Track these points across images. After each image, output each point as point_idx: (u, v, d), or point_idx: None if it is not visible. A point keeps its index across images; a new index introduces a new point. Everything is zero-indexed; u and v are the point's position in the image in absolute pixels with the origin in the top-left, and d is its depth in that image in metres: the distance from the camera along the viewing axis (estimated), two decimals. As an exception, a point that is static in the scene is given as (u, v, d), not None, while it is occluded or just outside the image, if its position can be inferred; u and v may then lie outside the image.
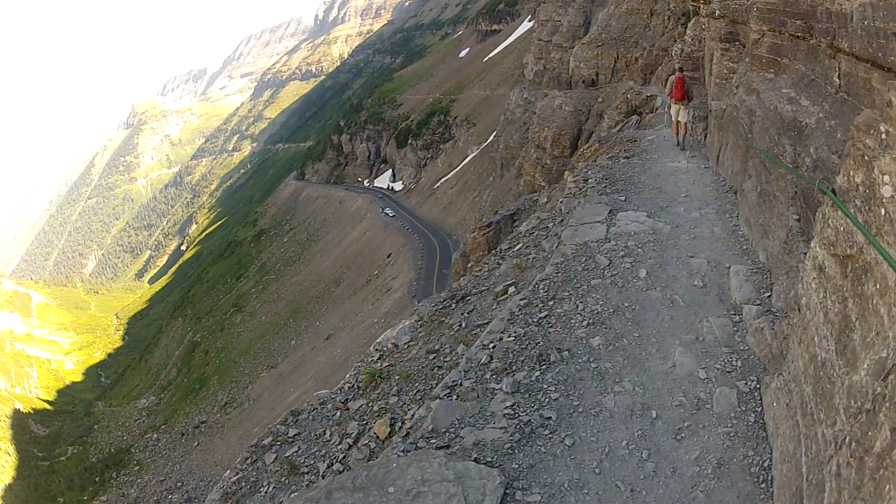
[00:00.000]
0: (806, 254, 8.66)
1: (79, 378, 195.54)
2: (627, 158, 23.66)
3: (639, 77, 75.76)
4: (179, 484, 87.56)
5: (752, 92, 13.57)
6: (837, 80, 9.15)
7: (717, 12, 20.78)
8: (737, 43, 19.72)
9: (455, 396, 10.39)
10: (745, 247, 13.22)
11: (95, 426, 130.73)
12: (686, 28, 39.43)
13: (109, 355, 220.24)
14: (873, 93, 7.62)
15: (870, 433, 4.91)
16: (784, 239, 10.43)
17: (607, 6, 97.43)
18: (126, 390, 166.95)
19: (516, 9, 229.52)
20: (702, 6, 25.30)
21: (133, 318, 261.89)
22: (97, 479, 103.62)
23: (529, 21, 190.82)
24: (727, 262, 12.69)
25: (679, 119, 26.62)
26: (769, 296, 10.89)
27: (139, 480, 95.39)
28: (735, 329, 10.51)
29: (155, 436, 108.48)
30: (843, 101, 8.94)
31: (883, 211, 5.14)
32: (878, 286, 5.16)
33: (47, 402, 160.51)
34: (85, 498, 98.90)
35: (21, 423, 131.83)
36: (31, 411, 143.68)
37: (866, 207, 5.48)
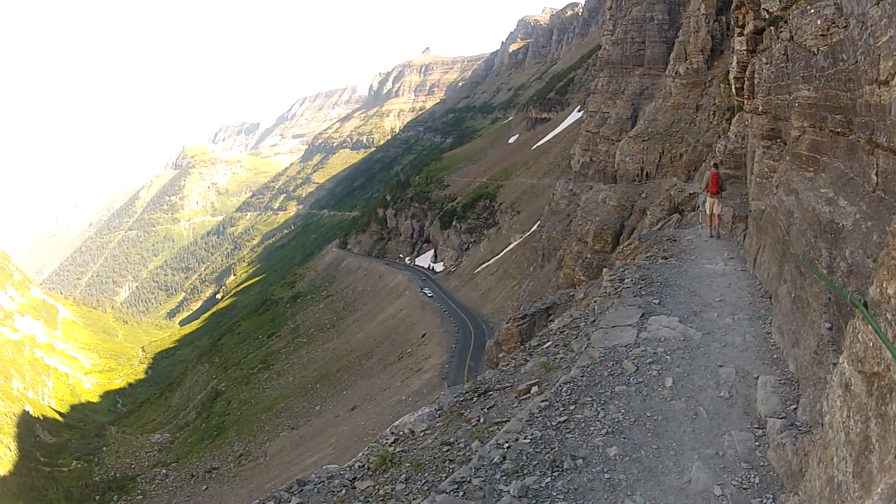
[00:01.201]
0: (835, 365, 8.27)
1: (95, 399, 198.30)
2: (665, 259, 23.50)
3: (683, 173, 75.87)
4: None
5: (791, 192, 13.30)
6: (875, 177, 8.83)
7: (760, 108, 20.55)
8: (779, 140, 19.48)
9: (462, 493, 10.08)
10: (775, 356, 12.76)
11: (104, 448, 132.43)
12: (730, 124, 39.26)
13: (130, 385, 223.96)
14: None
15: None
16: (814, 349, 10.04)
17: (655, 100, 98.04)
18: (142, 422, 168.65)
19: (566, 98, 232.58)
20: (745, 102, 25.18)
21: (159, 354, 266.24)
22: (97, 497, 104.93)
23: (578, 111, 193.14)
24: (756, 372, 12.19)
25: (714, 212, 28.64)
26: (795, 409, 10.40)
27: None
28: (757, 444, 10.04)
29: (164, 471, 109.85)
30: (880, 200, 8.60)
31: (916, 327, 4.78)
32: (900, 407, 4.80)
33: (59, 412, 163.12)
34: None
35: (28, 425, 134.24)
36: (41, 417, 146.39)
37: (898, 322, 5.12)
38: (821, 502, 6.39)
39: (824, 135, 12.08)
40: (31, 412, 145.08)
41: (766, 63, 19.52)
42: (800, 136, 13.84)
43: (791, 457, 8.67)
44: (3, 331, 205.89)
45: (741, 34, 25.29)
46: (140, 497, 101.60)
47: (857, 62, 9.73)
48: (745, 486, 9.11)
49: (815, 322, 10.26)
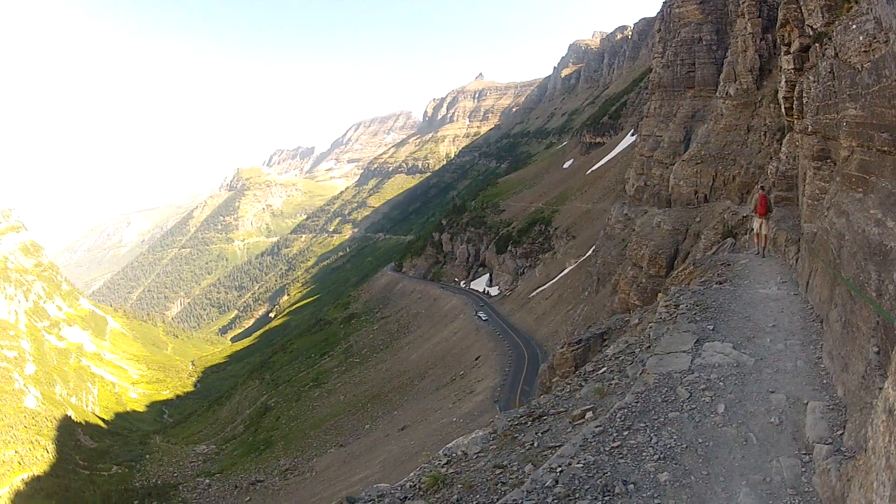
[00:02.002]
0: (881, 390, 8.17)
1: (141, 409, 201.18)
2: (720, 284, 23.28)
3: (736, 196, 75.26)
4: None
5: (841, 214, 13.16)
6: (922, 196, 8.73)
7: (810, 128, 20.33)
8: (829, 161, 19.27)
9: None
10: (825, 381, 12.66)
11: (147, 455, 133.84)
12: (781, 145, 38.84)
13: (178, 396, 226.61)
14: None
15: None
16: (862, 373, 9.94)
17: (706, 122, 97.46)
18: (188, 433, 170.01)
19: (620, 122, 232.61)
20: (795, 122, 24.95)
21: (209, 368, 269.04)
22: (136, 502, 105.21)
23: (632, 135, 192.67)
24: (806, 398, 12.12)
25: (761, 232, 30.48)
26: (842, 434, 10.32)
27: None
28: (804, 469, 9.98)
29: (207, 481, 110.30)
30: (928, 222, 8.50)
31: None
32: (939, 435, 4.76)
33: (102, 419, 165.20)
34: None
35: (69, 429, 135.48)
36: (83, 423, 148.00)
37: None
38: (859, 528, 6.34)
39: (872, 154, 11.95)
40: (73, 417, 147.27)
41: (814, 81, 19.35)
42: (849, 155, 13.71)
43: (835, 482, 8.60)
44: (50, 339, 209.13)
45: (788, 52, 25.10)
46: None
47: (900, 76, 9.66)
48: (787, 512, 9.03)
49: (863, 346, 10.15)
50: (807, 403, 11.82)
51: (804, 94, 21.71)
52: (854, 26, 13.98)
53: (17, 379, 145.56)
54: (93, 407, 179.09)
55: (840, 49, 15.41)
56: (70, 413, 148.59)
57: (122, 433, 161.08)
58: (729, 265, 27.59)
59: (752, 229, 33.51)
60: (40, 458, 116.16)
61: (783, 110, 27.64)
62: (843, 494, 7.98)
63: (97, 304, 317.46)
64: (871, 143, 11.87)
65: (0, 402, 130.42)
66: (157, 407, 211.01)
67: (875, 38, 12.30)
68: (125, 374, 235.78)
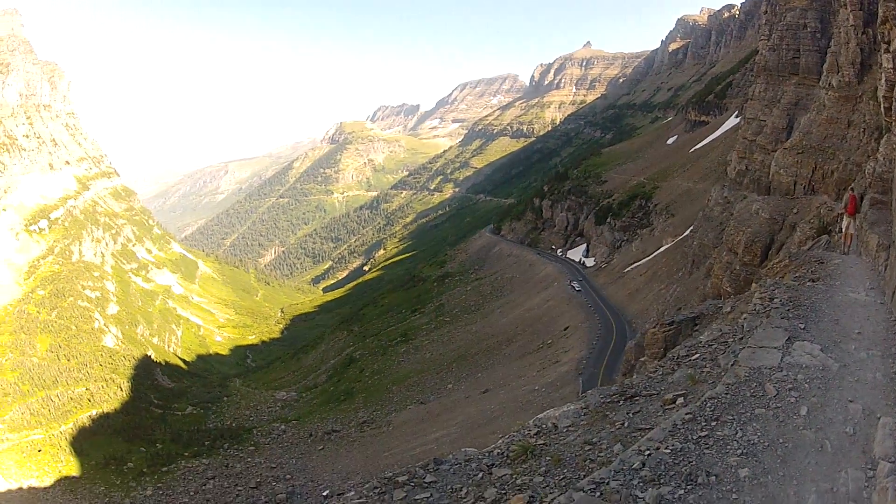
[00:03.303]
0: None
1: (224, 352, 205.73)
2: (813, 282, 23.08)
3: (833, 191, 73.51)
4: (288, 476, 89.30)
5: (932, 224, 13.19)
6: None
7: (907, 131, 20.03)
8: (924, 167, 18.96)
9: (599, 494, 10.52)
10: None
11: (225, 398, 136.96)
12: (879, 145, 38.16)
13: (263, 342, 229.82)
14: None
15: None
16: (932, 391, 10.16)
17: (809, 111, 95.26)
18: (269, 378, 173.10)
19: (725, 102, 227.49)
20: (893, 123, 24.58)
21: (298, 316, 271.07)
22: (207, 442, 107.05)
23: (736, 117, 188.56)
24: (880, 412, 12.15)
25: (848, 230, 32.09)
26: (906, 454, 10.55)
27: (249, 459, 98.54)
28: (867, 484, 10.13)
29: (282, 427, 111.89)
30: None
31: None
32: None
33: (184, 360, 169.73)
34: (186, 454, 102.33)
35: (147, 368, 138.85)
36: (163, 363, 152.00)
37: None
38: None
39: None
40: (153, 357, 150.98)
41: (912, 84, 19.11)
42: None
43: (890, 501, 8.92)
44: (136, 280, 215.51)
45: (887, 51, 24.62)
46: (252, 448, 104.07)
47: None
48: (848, 525, 9.26)
49: (937, 364, 10.33)
50: (879, 418, 11.86)
51: (903, 96, 21.37)
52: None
53: (97, 318, 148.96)
54: (174, 348, 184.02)
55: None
56: (150, 353, 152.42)
57: (203, 375, 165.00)
58: (822, 263, 27.31)
59: (842, 229, 34.52)
60: (112, 396, 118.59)
61: (882, 109, 27.18)
62: (897, 515, 8.34)
63: (189, 249, 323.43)
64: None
65: (77, 340, 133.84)
66: (241, 351, 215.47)
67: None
68: (212, 318, 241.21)
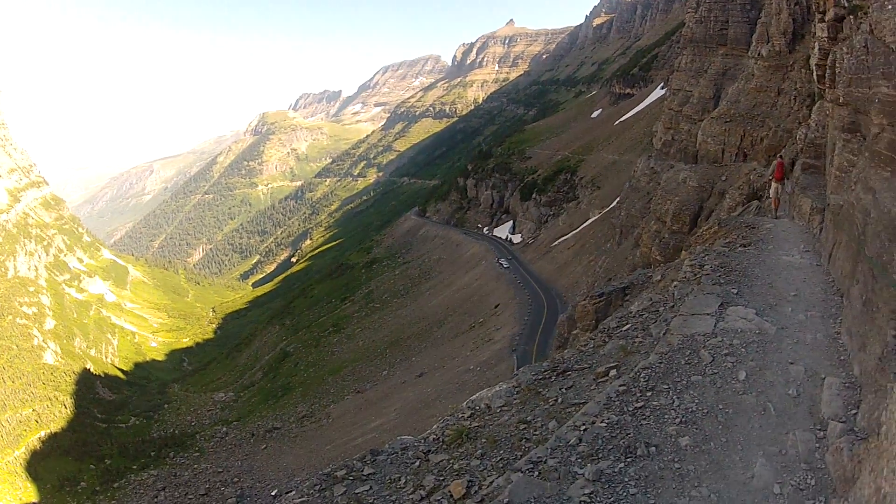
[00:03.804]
0: (896, 375, 8.29)
1: (160, 357, 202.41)
2: (744, 247, 23.13)
3: (763, 158, 74.43)
4: (236, 479, 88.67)
5: (868, 190, 13.05)
6: (949, 185, 8.74)
7: (841, 99, 20.04)
8: (858, 134, 19.01)
9: (537, 473, 10.33)
10: (843, 357, 12.62)
11: (166, 405, 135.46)
12: (811, 111, 38.66)
13: (197, 344, 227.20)
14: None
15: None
16: (879, 355, 9.95)
17: (737, 81, 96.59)
18: (206, 380, 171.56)
19: (650, 74, 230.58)
20: (827, 90, 24.79)
21: (230, 314, 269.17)
22: (153, 453, 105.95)
23: (662, 88, 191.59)
24: (823, 373, 12.10)
25: (776, 196, 34.19)
26: (856, 413, 10.35)
27: (195, 466, 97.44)
28: (818, 445, 10.02)
29: (224, 429, 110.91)
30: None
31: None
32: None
33: (122, 371, 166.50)
34: (134, 467, 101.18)
35: (88, 382, 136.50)
36: (102, 375, 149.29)
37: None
38: (866, 510, 6.48)
39: (904, 134, 11.89)
40: (92, 370, 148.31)
41: (847, 53, 19.06)
42: (879, 133, 13.59)
43: (846, 462, 8.67)
44: (70, 292, 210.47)
45: (822, 20, 24.83)
46: (197, 454, 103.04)
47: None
48: (801, 487, 9.20)
49: (882, 328, 10.18)
50: (824, 378, 11.81)
51: (837, 65, 21.45)
52: (890, 6, 13.83)
53: (35, 335, 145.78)
54: (112, 358, 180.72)
55: (875, 26, 15.25)
56: (89, 366, 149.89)
57: (141, 383, 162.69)
58: (753, 228, 27.42)
59: (770, 195, 36.33)
60: (58, 415, 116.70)
61: (815, 77, 27.46)
62: (854, 476, 8.08)
63: (118, 254, 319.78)
64: (902, 122, 11.81)
65: (19, 360, 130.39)
66: (176, 355, 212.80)
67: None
68: (145, 324, 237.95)
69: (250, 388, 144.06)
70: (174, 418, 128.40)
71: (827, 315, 14.97)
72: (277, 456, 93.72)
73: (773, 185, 34.94)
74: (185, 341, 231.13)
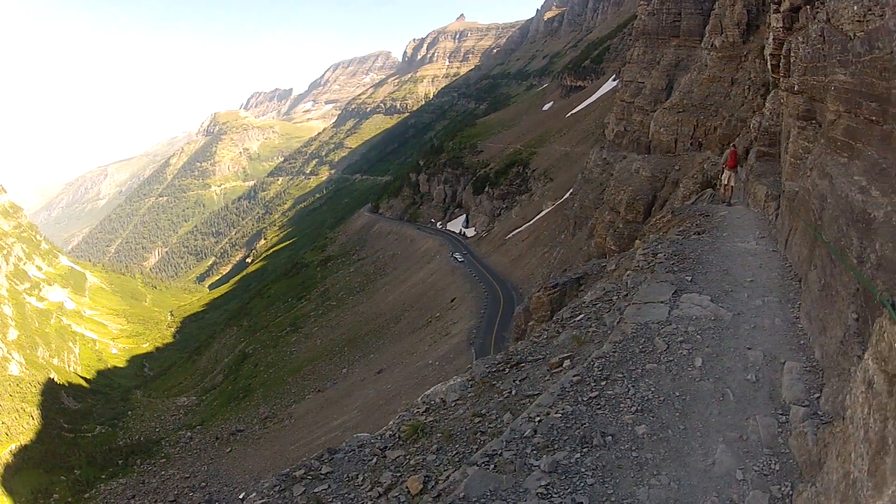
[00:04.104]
0: (860, 357, 8.23)
1: (122, 364, 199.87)
2: (698, 234, 23.30)
3: (716, 146, 75.26)
4: (203, 484, 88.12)
5: (824, 176, 13.09)
6: (908, 171, 8.73)
7: (796, 87, 20.18)
8: (814, 122, 19.16)
9: (493, 466, 10.18)
10: (802, 341, 12.62)
11: (129, 412, 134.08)
12: (765, 100, 39.03)
13: (157, 349, 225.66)
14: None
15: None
16: (840, 338, 9.94)
17: (690, 71, 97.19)
18: (168, 385, 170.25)
19: (602, 66, 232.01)
20: (781, 79, 25.00)
21: (188, 318, 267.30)
22: (120, 461, 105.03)
23: (614, 80, 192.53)
24: (783, 357, 12.10)
25: (728, 183, 34.76)
26: (818, 397, 10.36)
27: (163, 472, 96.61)
28: (780, 430, 9.99)
29: (188, 434, 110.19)
30: (913, 196, 8.52)
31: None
32: (918, 413, 4.82)
33: (85, 379, 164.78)
34: (103, 476, 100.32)
35: (53, 392, 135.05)
36: (66, 384, 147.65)
37: (924, 329, 5.12)
38: (836, 496, 6.39)
39: (859, 121, 11.89)
40: (55, 379, 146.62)
41: (803, 42, 19.19)
42: (835, 119, 13.64)
43: (811, 446, 8.64)
44: (30, 300, 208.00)
45: (777, 10, 24.97)
46: (164, 460, 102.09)
47: (892, 52, 9.63)
48: (765, 473, 9.14)
49: (842, 312, 10.17)
50: (784, 363, 11.83)
51: (792, 54, 21.58)
52: (848, -5, 13.91)
53: (0, 347, 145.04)
54: (74, 367, 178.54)
55: (832, 15, 15.29)
56: (53, 376, 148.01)
57: (104, 391, 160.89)
58: (707, 216, 27.63)
59: (723, 182, 36.71)
60: (27, 427, 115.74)
61: (769, 67, 27.68)
62: (820, 460, 8.03)
63: (76, 261, 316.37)
64: (858, 110, 11.82)
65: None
66: (137, 361, 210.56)
67: (870, 9, 12.21)
68: (105, 330, 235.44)
69: (212, 392, 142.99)
70: (138, 425, 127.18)
71: (785, 300, 14.99)
72: (242, 458, 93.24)
73: (726, 172, 35.36)
74: (146, 346, 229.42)
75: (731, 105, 79.82)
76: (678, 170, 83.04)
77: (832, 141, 13.61)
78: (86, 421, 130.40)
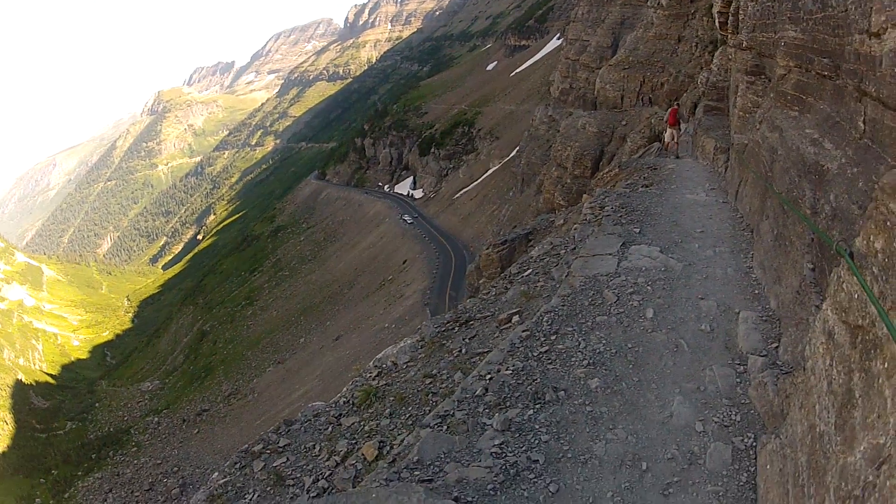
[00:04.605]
0: (817, 307, 8.20)
1: (84, 355, 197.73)
2: (646, 187, 23.21)
3: (664, 102, 75.23)
4: (176, 468, 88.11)
5: (774, 129, 13.09)
6: (862, 124, 8.70)
7: (745, 43, 20.26)
8: (762, 77, 19.23)
9: (445, 427, 10.00)
10: (756, 291, 12.61)
11: (97, 404, 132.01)
12: (713, 57, 39.34)
13: (117, 336, 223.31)
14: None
15: (855, 522, 4.54)
16: (797, 288, 9.94)
17: (636, 29, 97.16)
18: (131, 372, 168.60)
19: (546, 26, 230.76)
20: (729, 36, 25.18)
21: (144, 301, 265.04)
22: (93, 455, 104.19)
23: (558, 39, 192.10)
24: (737, 307, 12.08)
25: (669, 140, 35.67)
26: (776, 347, 10.37)
27: (136, 461, 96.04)
28: (738, 380, 9.96)
29: (156, 419, 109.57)
30: (867, 148, 8.48)
31: (901, 286, 4.71)
32: (886, 366, 4.72)
33: (51, 375, 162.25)
34: (79, 473, 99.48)
35: (22, 393, 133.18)
36: (34, 383, 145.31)
37: (883, 278, 5.03)
38: (802, 449, 6.36)
39: (811, 77, 11.86)
40: (23, 380, 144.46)
41: (752, 0, 19.30)
42: (785, 74, 13.61)
43: (772, 397, 8.61)
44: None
45: (725, -30, 25.09)
46: (135, 449, 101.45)
47: (846, 10, 9.59)
48: (726, 424, 9.09)
49: (797, 262, 10.16)
50: (738, 312, 11.82)
51: (741, 11, 21.68)
52: (798, -49, 13.86)
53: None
54: (40, 364, 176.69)
55: (782, -29, 15.29)
56: (21, 377, 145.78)
57: (71, 385, 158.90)
58: (655, 169, 27.59)
59: (665, 139, 38.14)
60: (2, 433, 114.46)
61: (717, 24, 27.97)
62: (783, 411, 8.00)
63: (31, 256, 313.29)
64: (810, 65, 11.79)
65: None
66: (99, 350, 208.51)
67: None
68: (66, 323, 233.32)
69: (174, 374, 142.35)
70: (107, 416, 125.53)
71: (737, 250, 15.00)
72: (211, 438, 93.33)
73: (668, 130, 36.11)
74: (106, 335, 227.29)
75: (678, 62, 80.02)
76: (625, 125, 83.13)
77: (782, 95, 13.59)
78: (56, 418, 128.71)
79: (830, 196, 9.01)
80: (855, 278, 5.51)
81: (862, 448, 4.81)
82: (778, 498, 6.90)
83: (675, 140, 35.24)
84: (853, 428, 5.08)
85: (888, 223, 5.10)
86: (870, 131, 8.50)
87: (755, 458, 8.40)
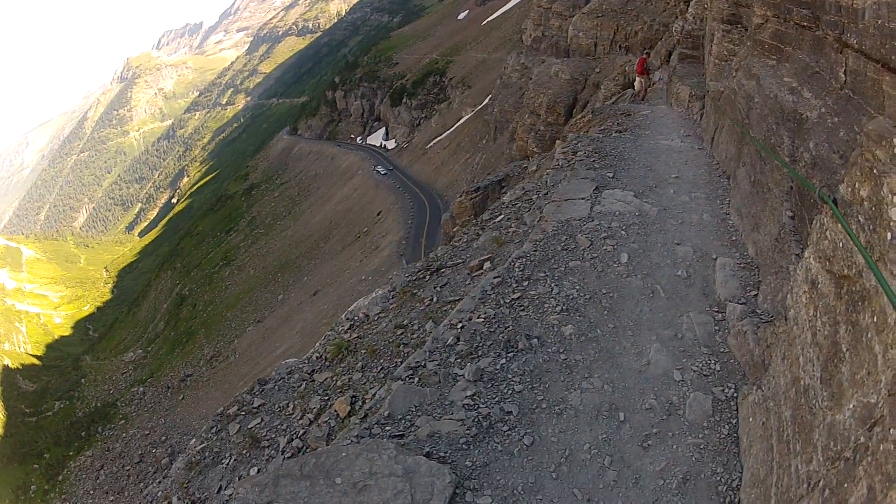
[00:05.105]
0: (798, 255, 8.09)
1: (67, 332, 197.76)
2: (620, 133, 22.93)
3: (638, 50, 75.02)
4: (164, 438, 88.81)
5: (751, 77, 12.97)
6: (843, 75, 8.60)
7: (720, -8, 20.23)
8: (739, 25, 19.13)
9: (417, 379, 9.83)
10: (734, 238, 12.51)
11: (82, 380, 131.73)
12: (688, 5, 39.21)
13: (98, 308, 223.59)
14: (882, 95, 7.09)
15: (846, 485, 4.39)
16: (776, 235, 9.83)
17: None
18: (113, 343, 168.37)
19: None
20: (704, -14, 25.13)
21: (122, 270, 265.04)
22: (83, 433, 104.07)
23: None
24: (714, 253, 11.97)
25: (639, 88, 37.91)
26: (755, 295, 10.24)
27: (124, 434, 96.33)
28: (717, 328, 9.85)
29: (141, 389, 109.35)
30: (847, 99, 8.38)
31: (889, 235, 4.53)
32: (875, 319, 4.58)
33: (36, 357, 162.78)
34: (70, 453, 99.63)
35: (10, 378, 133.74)
36: (20, 367, 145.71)
37: (870, 227, 4.88)
38: (786, 402, 6.25)
39: (789, 26, 11.71)
40: (10, 365, 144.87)
41: (728, -51, 19.16)
42: (762, 23, 13.44)
43: (753, 346, 8.52)
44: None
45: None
46: (122, 422, 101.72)
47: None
48: (705, 373, 9.00)
49: (775, 209, 10.05)
50: (716, 259, 11.74)
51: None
52: None
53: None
54: (24, 346, 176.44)
55: (760, -82, 15.09)
56: (7, 362, 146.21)
57: (56, 364, 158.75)
58: (629, 115, 27.36)
59: (635, 88, 39.83)
60: None
61: None
62: (764, 362, 7.92)
63: (9, 237, 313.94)
64: (788, 15, 11.63)
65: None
66: (81, 325, 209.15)
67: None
68: (47, 301, 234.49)
69: (156, 341, 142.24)
70: (93, 391, 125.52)
71: (713, 196, 14.84)
72: (196, 404, 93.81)
73: (638, 79, 38.18)
74: (87, 309, 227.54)
75: (652, 10, 79.78)
76: (599, 72, 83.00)
77: (759, 43, 13.44)
78: (44, 400, 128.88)
79: (810, 144, 8.90)
80: (839, 226, 5.37)
81: (851, 406, 4.69)
82: (762, 452, 6.80)
83: (645, 88, 36.78)
84: (840, 384, 4.96)
85: (874, 171, 4.95)
86: (851, 82, 8.43)
87: (736, 410, 8.31)
